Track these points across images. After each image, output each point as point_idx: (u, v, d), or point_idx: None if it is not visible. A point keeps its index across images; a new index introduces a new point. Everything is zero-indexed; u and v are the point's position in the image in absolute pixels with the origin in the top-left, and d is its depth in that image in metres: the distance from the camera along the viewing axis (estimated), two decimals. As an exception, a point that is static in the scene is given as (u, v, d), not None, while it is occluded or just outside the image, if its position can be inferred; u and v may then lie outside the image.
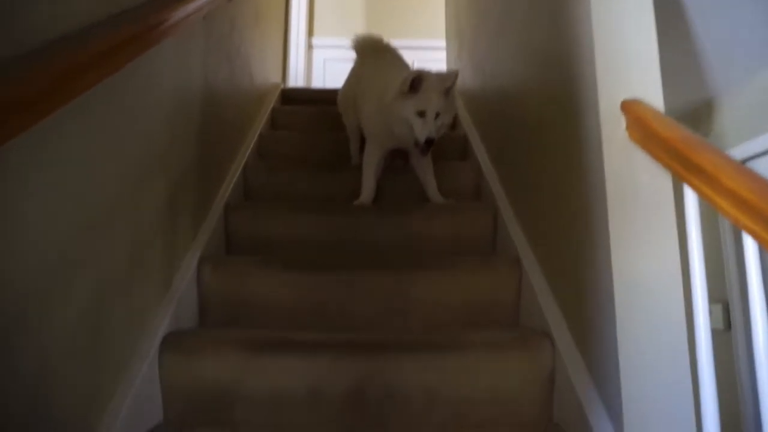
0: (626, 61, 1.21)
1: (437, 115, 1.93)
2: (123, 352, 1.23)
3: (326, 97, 3.47)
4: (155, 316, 1.41)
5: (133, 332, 1.29)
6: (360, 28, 4.80)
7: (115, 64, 1.07)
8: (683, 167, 0.95)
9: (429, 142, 1.90)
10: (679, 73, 2.37)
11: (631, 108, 1.15)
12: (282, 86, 3.57)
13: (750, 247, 0.81)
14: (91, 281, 1.08)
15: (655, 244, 1.12)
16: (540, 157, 1.64)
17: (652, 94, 1.19)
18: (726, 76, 2.46)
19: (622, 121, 1.18)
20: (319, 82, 4.73)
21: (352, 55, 4.80)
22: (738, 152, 2.59)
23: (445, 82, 1.95)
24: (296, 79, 4.46)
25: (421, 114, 1.91)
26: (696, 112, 2.88)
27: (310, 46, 4.80)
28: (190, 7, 1.49)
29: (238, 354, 1.36)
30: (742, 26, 1.96)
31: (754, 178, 0.80)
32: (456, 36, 3.31)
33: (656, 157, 1.06)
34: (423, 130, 1.91)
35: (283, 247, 1.94)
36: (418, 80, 1.92)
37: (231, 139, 2.27)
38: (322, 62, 4.79)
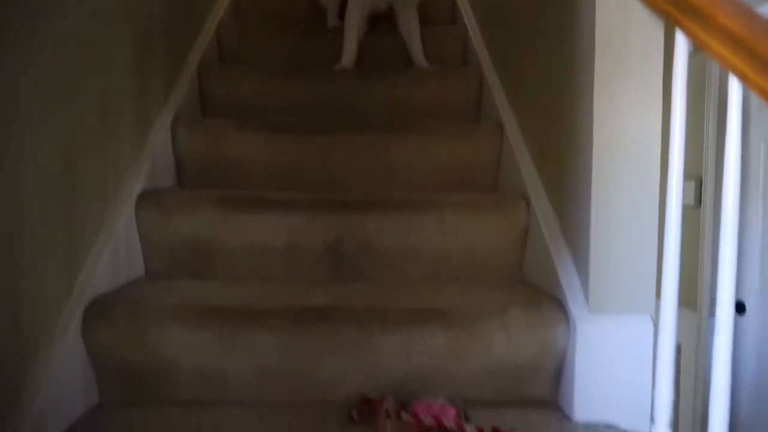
0: None
1: None
2: (99, 209, 1.22)
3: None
4: (130, 174, 1.38)
5: (108, 189, 1.27)
6: None
7: None
8: (678, 9, 0.89)
9: None
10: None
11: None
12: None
13: (735, 90, 0.78)
14: (61, 131, 1.04)
15: (638, 102, 1.10)
16: (528, 15, 1.55)
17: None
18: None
19: (617, -32, 1.10)
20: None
21: None
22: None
23: None
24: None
25: None
26: None
27: None
28: None
29: (216, 210, 1.36)
30: None
31: (751, 16, 0.75)
32: None
33: (651, 3, 1.00)
34: None
35: (260, 111, 1.88)
36: None
37: (186, 37, 2.06)
38: None
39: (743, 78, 0.75)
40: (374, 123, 1.79)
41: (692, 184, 2.58)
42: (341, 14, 2.13)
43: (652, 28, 1.08)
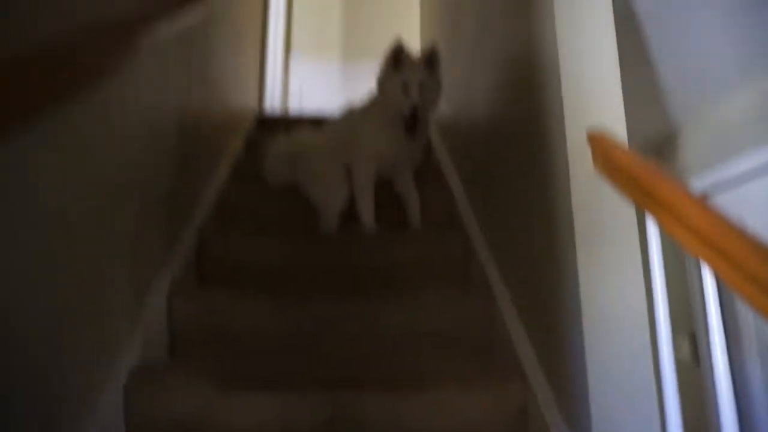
0: (592, 95, 1.26)
1: (422, 88, 2.01)
2: (88, 380, 1.20)
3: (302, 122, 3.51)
4: (122, 345, 1.38)
5: (100, 361, 1.26)
6: (337, 48, 4.89)
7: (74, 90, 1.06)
8: (644, 198, 0.98)
9: (413, 110, 1.97)
10: (643, 105, 2.46)
11: (596, 139, 1.19)
12: (258, 109, 3.58)
13: (708, 279, 0.84)
14: (53, 300, 1.06)
15: (620, 274, 1.16)
16: (511, 185, 1.68)
17: (616, 127, 1.24)
18: (686, 107, 2.56)
19: (589, 153, 1.22)
20: (295, 100, 4.76)
21: (329, 75, 4.85)
22: (699, 182, 2.68)
23: (428, 55, 2.06)
24: (272, 99, 4.48)
25: (405, 88, 1.99)
26: (660, 142, 2.99)
27: (286, 66, 4.83)
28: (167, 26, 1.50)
29: (209, 391, 1.33)
30: (700, 58, 2.06)
31: (711, 211, 0.83)
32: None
33: (620, 188, 1.10)
34: (406, 100, 1.99)
35: (257, 273, 1.93)
36: (399, 52, 2.03)
37: (206, 162, 2.27)
38: (298, 81, 4.83)
39: (714, 268, 0.80)
40: (367, 285, 1.83)
41: (686, 341, 2.58)
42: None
43: (625, 204, 1.17)
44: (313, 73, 4.84)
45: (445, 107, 2.77)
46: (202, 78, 2.17)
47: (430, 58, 2.04)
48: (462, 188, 2.34)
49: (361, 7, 4.97)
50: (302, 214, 2.26)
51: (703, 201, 0.85)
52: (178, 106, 1.85)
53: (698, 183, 2.68)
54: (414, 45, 4.17)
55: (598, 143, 1.16)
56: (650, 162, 1.01)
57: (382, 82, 2.08)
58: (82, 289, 1.19)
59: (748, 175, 2.32)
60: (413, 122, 2.00)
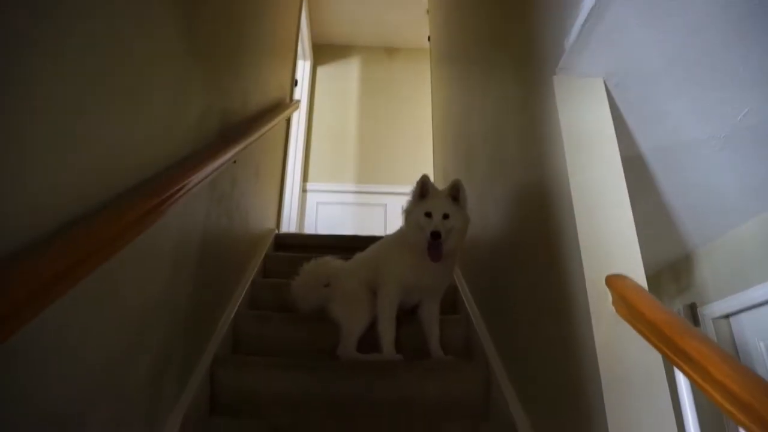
0: (607, 239, 1.30)
1: (446, 216, 2.08)
2: None
3: (318, 242, 3.60)
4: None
5: None
6: (352, 174, 5.10)
7: (126, 239, 1.12)
8: (671, 351, 0.98)
9: (435, 235, 2.03)
10: (657, 227, 2.52)
11: (615, 284, 1.21)
12: (276, 231, 3.68)
13: (745, 440, 0.81)
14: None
15: (653, 420, 1.12)
16: (531, 321, 1.67)
17: (634, 270, 1.26)
18: (701, 232, 2.61)
19: (609, 296, 1.23)
20: (311, 223, 4.89)
21: (342, 198, 5.03)
22: (718, 308, 2.65)
23: (451, 187, 2.15)
24: (289, 221, 4.62)
25: (429, 215, 2.09)
26: (676, 265, 3.00)
27: (303, 191, 5.04)
28: (200, 175, 1.60)
29: None
30: (713, 189, 2.13)
31: (743, 370, 0.82)
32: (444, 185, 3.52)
33: (644, 336, 1.10)
34: (429, 226, 2.06)
35: (271, 405, 1.88)
36: (425, 185, 2.15)
37: (224, 289, 2.30)
38: (314, 205, 5.00)
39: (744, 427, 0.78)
40: (384, 423, 1.77)
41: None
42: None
43: (652, 354, 1.16)
44: (328, 194, 5.03)
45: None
46: (226, 210, 2.27)
47: (455, 190, 2.14)
48: (480, 316, 2.33)
49: (376, 138, 5.26)
50: (319, 339, 2.25)
51: (734, 360, 0.84)
52: (202, 235, 1.92)
53: (717, 309, 2.65)
54: (428, 166, 4.39)
55: (618, 288, 1.18)
56: (674, 314, 1.02)
57: (409, 211, 2.18)
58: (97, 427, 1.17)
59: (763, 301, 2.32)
60: (438, 247, 2.05)
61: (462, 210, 2.14)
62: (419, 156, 4.88)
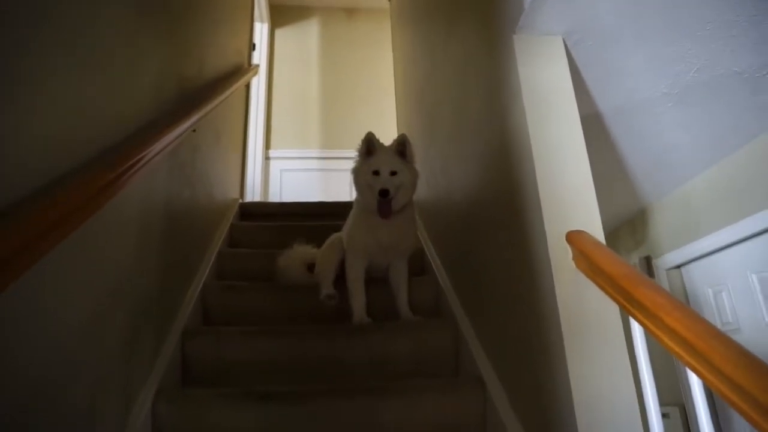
0: (567, 196, 1.34)
1: (394, 173, 2.12)
2: None
3: (284, 210, 3.58)
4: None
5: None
6: (316, 140, 5.05)
7: (85, 215, 1.10)
8: (627, 302, 1.03)
9: (384, 193, 2.07)
10: (614, 183, 2.60)
11: (575, 239, 1.25)
12: (240, 201, 3.64)
13: (695, 382, 0.87)
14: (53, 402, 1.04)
15: (609, 365, 1.18)
16: (496, 278, 1.72)
17: (593, 226, 1.31)
18: (655, 188, 2.71)
19: (569, 251, 1.28)
20: (275, 191, 4.85)
21: (307, 165, 4.98)
22: (671, 259, 2.78)
23: (398, 143, 2.19)
24: (253, 190, 4.56)
25: (377, 173, 2.12)
26: (633, 220, 3.11)
27: (267, 158, 4.96)
28: (160, 145, 1.56)
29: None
30: (666, 145, 2.20)
31: (692, 316, 0.88)
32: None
33: (602, 289, 1.15)
34: (377, 184, 2.09)
35: (244, 373, 1.90)
36: (370, 143, 2.17)
37: (190, 260, 2.28)
38: (278, 173, 4.94)
39: (699, 374, 0.84)
40: (359, 381, 1.81)
41: (677, 411, 2.58)
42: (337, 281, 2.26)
43: (609, 305, 1.21)
44: (291, 164, 4.97)
45: (426, 193, 2.87)
46: (188, 179, 2.23)
47: (401, 145, 2.16)
48: (447, 276, 2.38)
49: (339, 102, 5.20)
50: (288, 306, 2.27)
51: (684, 307, 0.89)
52: (165, 205, 1.90)
53: (670, 259, 2.78)
54: (392, 130, 4.38)
55: (578, 243, 1.22)
56: (630, 266, 1.07)
57: (357, 170, 2.19)
58: (78, 393, 1.17)
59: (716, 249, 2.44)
60: (387, 204, 2.07)
61: (409, 165, 2.17)
62: (384, 119, 4.85)
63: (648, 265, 2.90)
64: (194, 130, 2.19)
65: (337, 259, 2.28)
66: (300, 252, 2.53)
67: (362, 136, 2.21)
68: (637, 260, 3.01)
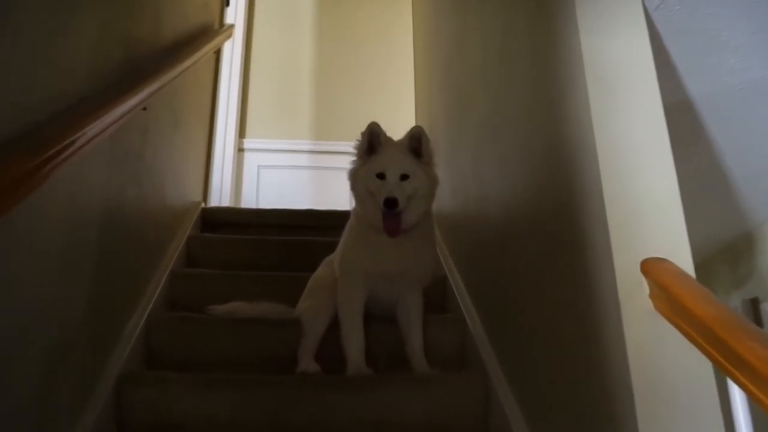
0: (644, 212, 1.32)
1: (405, 177, 2.09)
2: None
3: (261, 220, 3.58)
4: None
5: None
6: (306, 128, 5.06)
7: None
8: (724, 357, 1.00)
9: (391, 203, 2.03)
10: (707, 196, 2.57)
11: (653, 270, 1.23)
12: (203, 205, 3.65)
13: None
14: None
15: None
16: (543, 318, 1.71)
17: (679, 253, 1.29)
18: (767, 203, 2.67)
19: (644, 286, 1.26)
20: (250, 194, 4.85)
21: (293, 160, 4.98)
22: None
23: (410, 137, 2.15)
24: (221, 191, 4.56)
25: (382, 176, 2.09)
26: (733, 247, 3.08)
27: (240, 150, 4.96)
28: (97, 126, 1.57)
29: None
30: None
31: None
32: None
33: (689, 337, 1.13)
34: (382, 191, 2.05)
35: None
36: (374, 136, 2.15)
37: (134, 282, 2.28)
38: (255, 169, 4.94)
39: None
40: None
41: None
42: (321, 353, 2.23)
43: (700, 360, 1.19)
44: (273, 158, 4.97)
45: (450, 204, 2.86)
46: (135, 172, 2.23)
47: (414, 140, 2.15)
48: (477, 314, 2.36)
49: (339, 78, 5.19)
50: (259, 348, 2.27)
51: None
52: (102, 207, 1.90)
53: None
54: (403, 121, 4.39)
55: (657, 276, 1.20)
56: (729, 310, 1.05)
57: (355, 172, 2.18)
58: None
59: None
60: (395, 219, 2.06)
61: (426, 166, 2.16)
62: (398, 105, 4.86)
63: (755, 309, 2.87)
64: (144, 109, 2.19)
65: (330, 310, 2.24)
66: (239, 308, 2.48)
67: (365, 125, 2.20)
68: (739, 302, 2.98)
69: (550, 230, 1.67)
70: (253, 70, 5.19)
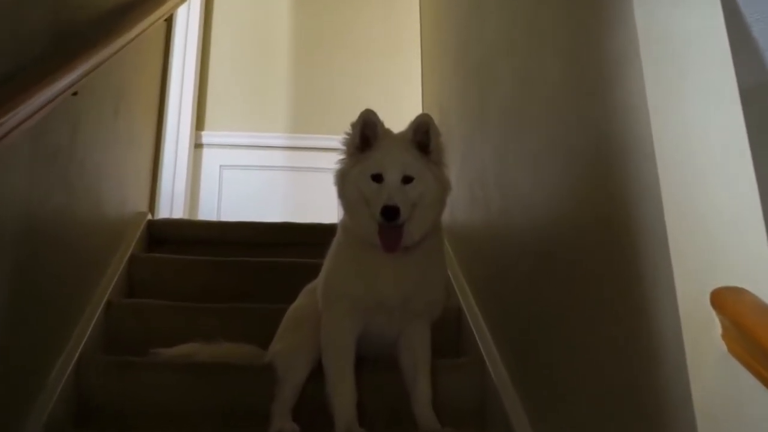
0: (715, 227, 1.32)
1: (409, 180, 2.09)
2: None
3: (224, 236, 3.58)
4: None
5: None
6: (282, 119, 5.05)
7: None
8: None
9: (390, 212, 2.01)
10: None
11: (727, 303, 1.23)
12: (149, 217, 3.64)
13: None
14: None
15: None
16: (586, 362, 1.71)
17: (761, 280, 1.28)
18: None
19: (716, 322, 1.26)
20: (210, 202, 4.84)
21: (265, 158, 4.95)
22: None
23: (415, 129, 2.15)
24: (173, 199, 4.55)
25: (378, 178, 2.08)
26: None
27: (198, 145, 4.95)
28: (16, 117, 1.56)
29: None
30: None
31: None
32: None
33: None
34: (379, 198, 2.04)
35: None
36: (369, 126, 2.15)
37: (59, 315, 2.27)
38: (216, 170, 4.93)
39: None
40: None
41: None
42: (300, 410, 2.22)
43: None
44: (239, 156, 4.96)
45: (466, 213, 2.86)
46: (63, 173, 2.22)
47: (421, 133, 2.15)
48: (500, 358, 2.36)
49: (323, 57, 5.18)
50: (220, 403, 2.26)
51: None
52: (20, 218, 1.90)
53: None
54: (412, 108, 4.40)
55: (733, 311, 1.20)
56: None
57: (344, 174, 2.18)
58: None
59: None
60: (395, 232, 2.06)
61: (435, 167, 2.16)
62: (399, 86, 4.86)
63: None
64: (75, 94, 2.19)
65: (311, 352, 2.25)
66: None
67: (357, 114, 2.20)
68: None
69: (594, 251, 1.67)
70: (215, 43, 5.19)
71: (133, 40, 2.77)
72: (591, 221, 1.69)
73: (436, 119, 2.23)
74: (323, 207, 4.57)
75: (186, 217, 4.50)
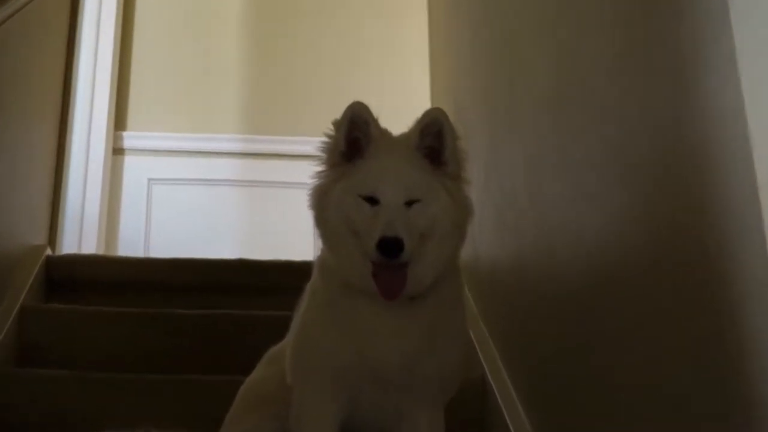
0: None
1: (412, 203, 2.04)
2: None
3: (153, 277, 3.58)
4: None
5: None
6: (233, 116, 5.07)
7: None
8: None
9: (389, 245, 1.94)
10: None
11: None
12: (48, 252, 3.64)
13: None
14: None
15: None
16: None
17: None
18: None
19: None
20: (135, 234, 4.85)
21: (211, 169, 5.01)
22: None
23: (422, 129, 2.10)
24: (81, 230, 4.56)
25: (373, 200, 2.03)
26: None
27: (117, 152, 4.96)
28: None
29: None
30: None
31: None
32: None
33: None
34: (373, 226, 1.98)
35: None
36: (357, 125, 2.11)
37: None
38: (144, 185, 4.94)
39: None
40: None
41: None
42: None
43: None
44: (174, 166, 4.97)
45: (491, 246, 2.87)
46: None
47: (430, 134, 2.11)
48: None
49: (289, 33, 5.21)
50: None
51: None
52: None
53: None
54: (418, 104, 4.43)
55: None
56: None
57: (324, 192, 2.14)
58: None
59: None
60: (397, 273, 2.03)
61: (452, 182, 2.14)
62: (400, 72, 4.91)
63: None
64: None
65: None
66: None
67: (342, 110, 2.18)
68: None
69: (672, 295, 1.67)
70: (140, 14, 5.22)
71: (20, 10, 2.78)
72: (660, 248, 1.70)
73: (452, 118, 2.21)
74: (293, 238, 4.59)
75: (101, 251, 4.52)
